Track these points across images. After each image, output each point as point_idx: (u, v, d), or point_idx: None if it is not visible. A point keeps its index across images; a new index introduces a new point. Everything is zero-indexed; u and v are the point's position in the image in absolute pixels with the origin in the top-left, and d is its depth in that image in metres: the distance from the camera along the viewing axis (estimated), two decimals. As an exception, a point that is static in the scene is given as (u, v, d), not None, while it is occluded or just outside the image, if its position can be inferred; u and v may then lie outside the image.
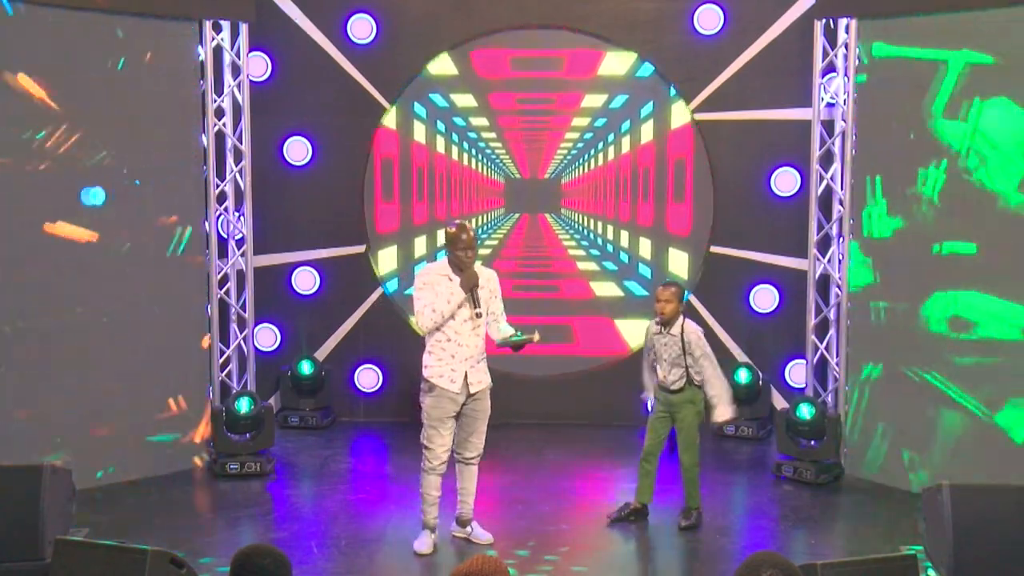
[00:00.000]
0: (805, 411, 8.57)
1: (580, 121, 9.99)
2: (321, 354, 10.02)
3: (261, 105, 9.43)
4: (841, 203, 8.89)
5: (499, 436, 7.93)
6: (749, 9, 9.61)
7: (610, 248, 10.14)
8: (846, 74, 8.78)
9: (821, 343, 9.13)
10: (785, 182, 9.66)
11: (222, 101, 9.04)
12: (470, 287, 6.80)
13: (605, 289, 10.18)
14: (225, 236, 9.20)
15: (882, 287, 8.47)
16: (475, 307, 6.82)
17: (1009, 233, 7.74)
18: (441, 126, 10.05)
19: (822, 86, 8.99)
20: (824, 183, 9.01)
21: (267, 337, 10.02)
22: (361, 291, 10.07)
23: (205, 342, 8.89)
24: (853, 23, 8.58)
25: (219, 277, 9.09)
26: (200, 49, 8.76)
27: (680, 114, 9.86)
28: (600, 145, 10.03)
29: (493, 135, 10.07)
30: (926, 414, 8.16)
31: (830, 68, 8.96)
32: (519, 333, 6.92)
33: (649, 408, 7.70)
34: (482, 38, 9.87)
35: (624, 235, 10.10)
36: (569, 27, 9.82)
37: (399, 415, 9.88)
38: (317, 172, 9.96)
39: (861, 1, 8.53)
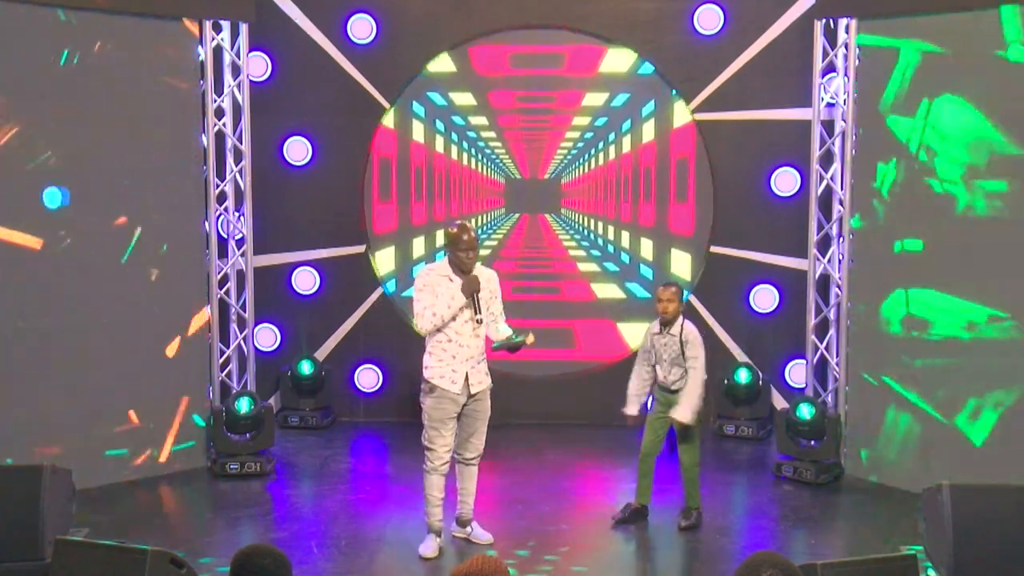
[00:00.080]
0: (805, 411, 8.57)
1: (581, 120, 9.98)
2: (321, 354, 10.02)
3: (261, 105, 9.43)
4: (841, 203, 8.89)
5: (499, 436, 7.92)
6: (749, 9, 9.61)
7: (611, 249, 10.12)
8: (846, 74, 8.78)
9: (821, 343, 9.13)
10: (785, 182, 9.66)
11: (222, 101, 9.03)
12: (471, 292, 6.77)
13: (606, 291, 10.15)
14: (225, 236, 9.19)
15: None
16: (476, 312, 6.79)
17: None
18: (440, 125, 10.03)
19: (822, 86, 8.98)
20: (824, 183, 9.01)
21: (267, 337, 10.02)
22: (361, 291, 10.07)
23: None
24: (853, 23, 8.59)
25: (219, 277, 9.09)
26: (200, 49, 8.76)
27: (682, 112, 9.85)
28: (601, 144, 10.01)
29: (493, 134, 10.05)
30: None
31: (830, 68, 8.96)
32: (514, 335, 6.93)
33: (634, 412, 7.55)
34: (482, 37, 9.87)
35: (625, 236, 10.08)
36: (569, 27, 9.82)
37: (399, 415, 9.88)
38: (317, 172, 9.96)
39: (861, 1, 8.54)
